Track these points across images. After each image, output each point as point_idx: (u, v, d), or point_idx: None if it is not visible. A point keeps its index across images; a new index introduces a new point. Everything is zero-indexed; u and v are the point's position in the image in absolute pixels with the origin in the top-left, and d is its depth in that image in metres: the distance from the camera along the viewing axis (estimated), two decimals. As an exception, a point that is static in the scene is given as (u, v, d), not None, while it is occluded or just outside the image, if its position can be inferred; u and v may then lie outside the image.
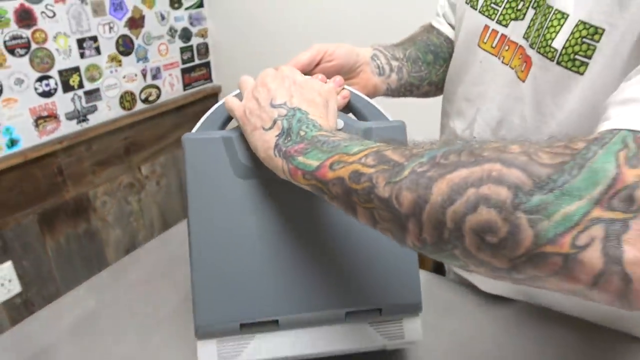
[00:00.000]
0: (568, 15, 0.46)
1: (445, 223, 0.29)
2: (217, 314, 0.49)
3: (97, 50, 1.56)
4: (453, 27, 0.71)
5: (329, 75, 0.55)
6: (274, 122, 0.43)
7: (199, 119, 0.53)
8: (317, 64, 0.57)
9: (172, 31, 1.81)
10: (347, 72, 0.60)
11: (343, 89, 0.54)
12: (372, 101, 0.56)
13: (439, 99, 0.72)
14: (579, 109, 0.46)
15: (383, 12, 1.49)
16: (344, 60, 0.59)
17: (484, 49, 0.59)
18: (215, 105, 0.53)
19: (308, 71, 0.56)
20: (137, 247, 1.87)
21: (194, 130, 0.53)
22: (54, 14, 1.40)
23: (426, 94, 0.72)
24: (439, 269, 0.82)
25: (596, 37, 0.43)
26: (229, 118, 0.53)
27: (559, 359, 0.59)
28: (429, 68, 0.69)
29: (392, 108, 0.57)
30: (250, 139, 0.46)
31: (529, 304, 0.65)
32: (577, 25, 0.45)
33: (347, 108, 0.56)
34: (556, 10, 0.47)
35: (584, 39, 0.44)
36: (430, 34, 0.73)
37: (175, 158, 1.94)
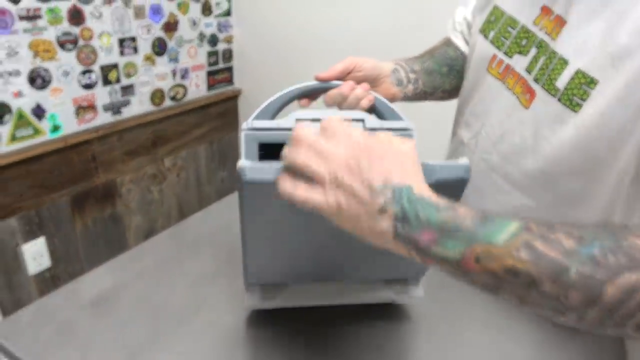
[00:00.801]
0: (569, 62, 0.57)
1: (612, 320, 0.36)
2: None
3: (135, 50, 1.70)
4: (467, 43, 0.84)
5: (356, 83, 0.68)
6: (383, 209, 0.39)
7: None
8: (348, 73, 0.70)
9: (201, 36, 1.96)
10: (371, 82, 0.73)
11: (369, 93, 0.68)
12: (391, 105, 0.69)
13: (449, 108, 0.86)
14: (570, 140, 0.58)
15: (399, 21, 1.63)
16: (370, 72, 0.72)
17: (491, 74, 0.70)
18: (271, 98, 0.66)
19: (341, 78, 0.70)
20: (154, 233, 2.00)
21: (250, 118, 0.66)
22: (101, 15, 1.55)
23: (440, 99, 0.86)
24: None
25: (591, 85, 0.55)
26: (280, 109, 0.66)
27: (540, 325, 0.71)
28: (443, 78, 0.82)
29: (408, 109, 0.71)
30: (352, 230, 0.41)
31: None
32: (576, 73, 0.56)
33: (371, 109, 0.69)
34: (560, 56, 0.59)
35: (582, 85, 0.56)
36: (449, 48, 0.85)
37: (195, 153, 2.08)
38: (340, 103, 0.68)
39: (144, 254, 0.85)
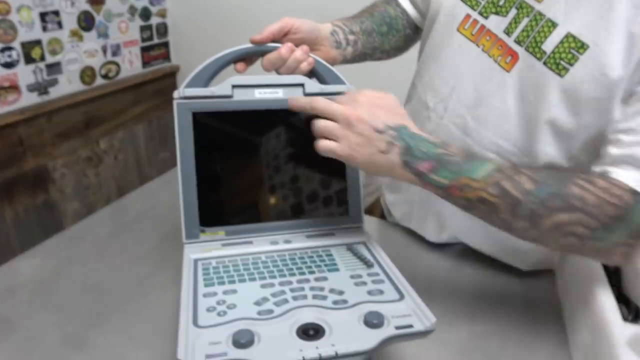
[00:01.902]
0: (557, 25, 0.57)
1: (542, 240, 0.54)
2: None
3: (59, 25, 1.59)
4: (411, 2, 0.82)
5: (294, 45, 0.66)
6: (391, 144, 0.52)
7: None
8: (285, 35, 0.68)
9: (132, 10, 1.86)
10: (309, 45, 0.70)
11: (309, 56, 0.66)
12: (333, 67, 0.68)
13: (393, 69, 0.83)
14: (555, 104, 0.58)
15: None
16: (307, 34, 0.69)
17: (462, 34, 0.67)
18: (202, 65, 0.64)
19: (277, 39, 0.67)
20: (94, 220, 1.91)
21: (182, 86, 0.63)
22: (17, -14, 1.43)
23: (379, 59, 0.84)
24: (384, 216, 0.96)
25: (581, 50, 0.55)
26: (214, 75, 0.64)
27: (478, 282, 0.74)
28: (382, 38, 0.80)
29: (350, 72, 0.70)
30: (369, 166, 0.54)
31: (464, 246, 0.81)
32: (566, 36, 0.56)
33: (312, 73, 0.68)
34: (548, 19, 0.58)
35: (572, 49, 0.56)
36: (389, 6, 0.82)
37: (133, 134, 1.99)
38: (279, 67, 0.66)
39: (81, 234, 0.82)
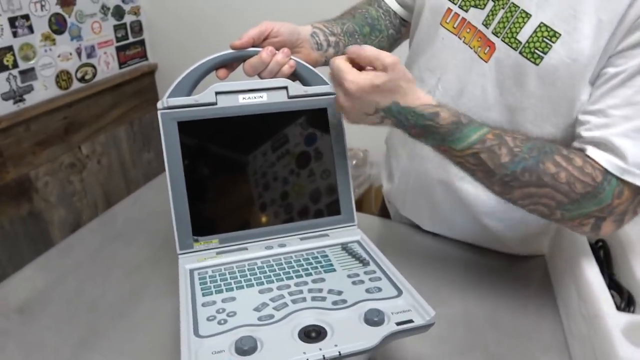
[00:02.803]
0: (531, 16, 0.59)
1: (514, 203, 0.59)
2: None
3: (30, 29, 1.54)
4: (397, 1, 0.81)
5: (275, 49, 0.65)
6: (382, 118, 0.58)
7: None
8: (265, 39, 0.67)
9: (104, 9, 1.81)
10: (290, 48, 0.69)
11: (290, 59, 0.65)
12: (314, 69, 0.67)
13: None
14: (532, 91, 0.61)
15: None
16: (287, 37, 0.68)
17: (445, 28, 0.69)
18: (186, 71, 0.62)
19: (258, 44, 0.66)
20: (82, 226, 1.88)
21: (165, 97, 0.61)
22: (-17, -8, 1.38)
23: None
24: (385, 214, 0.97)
25: (553, 39, 0.57)
26: (196, 83, 0.63)
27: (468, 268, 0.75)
28: (364, 39, 0.79)
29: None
30: (355, 121, 0.60)
31: (452, 239, 0.82)
32: (539, 26, 0.58)
33: (294, 75, 0.67)
34: (521, 10, 0.60)
35: (544, 38, 0.58)
36: (371, 7, 0.82)
37: (115, 136, 1.96)
38: (261, 71, 0.65)
39: (72, 248, 0.81)
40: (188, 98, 0.62)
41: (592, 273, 0.58)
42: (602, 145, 0.55)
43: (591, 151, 0.56)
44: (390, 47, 0.86)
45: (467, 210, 0.75)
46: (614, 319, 0.51)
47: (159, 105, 0.61)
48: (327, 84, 0.67)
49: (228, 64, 0.65)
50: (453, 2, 0.69)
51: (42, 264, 0.77)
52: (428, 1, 0.72)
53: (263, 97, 0.64)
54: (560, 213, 0.57)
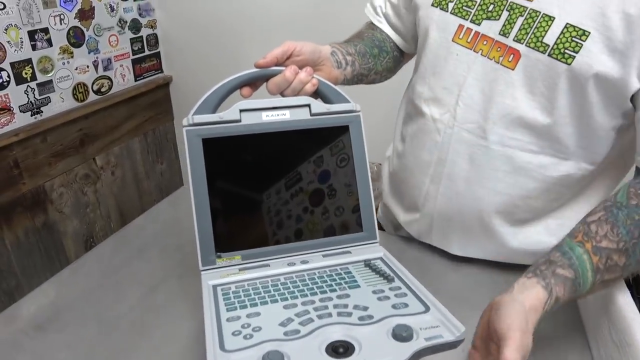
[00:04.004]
0: (554, 18, 0.60)
1: None
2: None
3: (49, 42, 1.56)
4: (392, 27, 0.84)
5: (298, 67, 0.65)
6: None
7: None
8: (288, 58, 0.67)
9: (121, 22, 1.83)
10: (312, 66, 0.69)
11: (313, 77, 0.65)
12: (336, 87, 0.67)
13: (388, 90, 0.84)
14: (566, 90, 0.61)
15: (329, 8, 1.60)
16: (310, 55, 0.69)
17: (459, 44, 0.69)
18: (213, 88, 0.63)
19: (280, 63, 0.66)
20: (94, 237, 1.89)
21: (191, 114, 0.62)
22: (4, 6, 1.40)
23: (372, 82, 0.85)
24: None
25: (583, 37, 0.58)
26: (221, 101, 0.63)
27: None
28: (375, 60, 0.81)
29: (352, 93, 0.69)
30: None
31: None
32: (566, 27, 0.59)
33: (316, 93, 0.67)
34: (543, 14, 0.61)
35: (574, 38, 0.59)
36: (375, 31, 0.85)
37: (129, 148, 1.97)
38: (285, 89, 0.65)
39: (88, 266, 0.80)
40: (213, 115, 0.62)
41: (623, 298, 0.57)
42: None
43: None
44: (395, 67, 0.89)
45: (498, 240, 0.75)
46: (647, 346, 0.50)
47: (184, 122, 0.61)
48: (348, 102, 0.67)
49: (252, 83, 0.66)
50: (464, 18, 0.69)
51: (57, 282, 0.76)
52: (434, 22, 0.72)
53: (286, 115, 0.64)
54: None
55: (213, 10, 1.84)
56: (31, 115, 1.56)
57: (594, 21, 0.57)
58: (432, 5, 0.72)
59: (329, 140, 0.65)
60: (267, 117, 0.63)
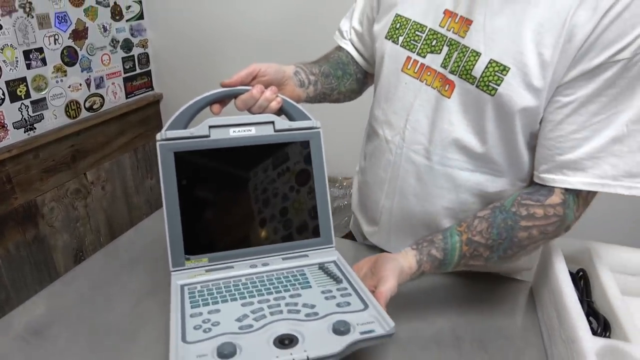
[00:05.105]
0: (480, 54, 0.67)
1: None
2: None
3: (43, 61, 1.63)
4: (357, 50, 0.91)
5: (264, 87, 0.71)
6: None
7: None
8: (254, 78, 0.73)
9: (114, 42, 1.90)
10: (276, 85, 0.75)
11: (277, 96, 0.71)
12: (299, 105, 0.73)
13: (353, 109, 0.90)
14: (492, 118, 0.68)
15: (305, 17, 1.67)
16: (274, 75, 0.75)
17: (407, 74, 0.76)
18: (184, 106, 0.69)
19: (246, 83, 0.72)
20: (84, 251, 1.93)
21: (164, 129, 0.67)
22: (1, 27, 1.47)
23: (336, 101, 0.91)
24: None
25: (504, 72, 0.65)
26: (192, 117, 0.69)
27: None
28: (338, 81, 0.88)
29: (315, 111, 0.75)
30: None
31: None
32: (490, 62, 0.66)
33: (280, 111, 0.73)
34: (472, 50, 0.68)
35: (496, 72, 0.65)
36: (341, 53, 0.92)
37: (119, 163, 2.02)
38: (251, 106, 0.71)
39: (77, 279, 0.82)
40: (184, 131, 0.68)
41: (571, 300, 0.62)
42: (558, 169, 0.65)
43: (548, 179, 0.66)
44: (360, 88, 0.95)
45: None
46: (590, 343, 0.55)
47: (158, 137, 0.67)
48: (309, 119, 0.72)
49: (221, 100, 0.71)
50: (411, 51, 0.75)
51: (47, 295, 0.78)
52: (386, 53, 0.79)
53: (252, 131, 0.70)
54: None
55: (202, 31, 1.92)
56: (24, 132, 1.62)
57: (513, 58, 0.64)
58: (386, 37, 0.79)
59: (291, 154, 0.71)
60: (234, 132, 0.69)
